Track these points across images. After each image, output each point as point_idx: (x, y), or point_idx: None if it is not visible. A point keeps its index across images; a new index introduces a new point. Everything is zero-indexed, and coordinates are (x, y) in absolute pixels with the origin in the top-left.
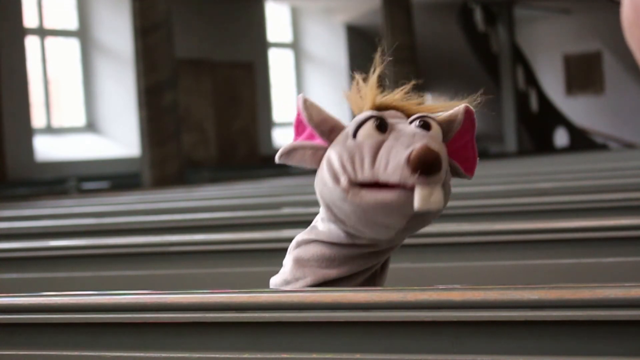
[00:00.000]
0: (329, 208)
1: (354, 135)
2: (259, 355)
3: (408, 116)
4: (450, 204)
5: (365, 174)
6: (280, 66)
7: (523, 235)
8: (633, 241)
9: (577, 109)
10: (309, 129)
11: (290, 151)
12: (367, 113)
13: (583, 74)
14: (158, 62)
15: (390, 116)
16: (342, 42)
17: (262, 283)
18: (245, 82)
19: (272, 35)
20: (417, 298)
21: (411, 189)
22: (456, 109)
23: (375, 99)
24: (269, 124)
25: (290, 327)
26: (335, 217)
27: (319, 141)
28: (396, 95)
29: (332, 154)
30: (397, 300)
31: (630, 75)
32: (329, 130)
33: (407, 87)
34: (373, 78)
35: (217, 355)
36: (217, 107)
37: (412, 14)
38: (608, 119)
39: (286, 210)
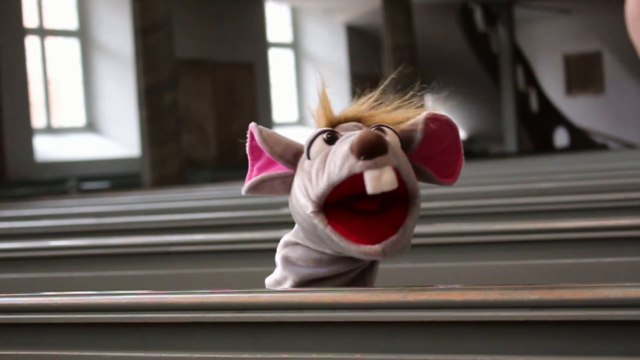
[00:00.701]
0: (305, 233)
1: (308, 155)
2: (259, 355)
3: (369, 125)
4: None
5: (321, 187)
6: (280, 66)
7: (523, 235)
8: (633, 241)
9: (577, 109)
10: (266, 155)
11: (259, 184)
12: (317, 130)
13: (583, 74)
14: (158, 62)
15: (348, 129)
16: (342, 42)
17: (262, 283)
18: (245, 82)
19: (272, 35)
20: (417, 298)
21: (371, 244)
22: (417, 117)
23: (328, 116)
24: (269, 124)
25: (290, 327)
26: (313, 241)
27: (284, 167)
28: (363, 106)
29: (296, 184)
30: (397, 300)
31: (630, 75)
32: (293, 156)
33: (372, 96)
34: (322, 96)
35: (217, 355)
36: (217, 107)
37: (412, 14)
38: (608, 119)
39: (286, 210)
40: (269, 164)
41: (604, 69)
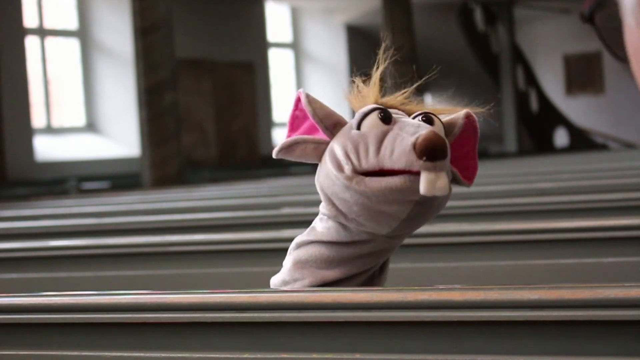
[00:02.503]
0: (330, 201)
1: (358, 126)
2: (259, 355)
3: (409, 115)
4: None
5: (370, 162)
6: (280, 66)
7: (523, 235)
8: (633, 241)
9: (577, 109)
10: (305, 125)
11: (292, 145)
12: (371, 106)
13: (583, 74)
14: (158, 62)
15: (393, 112)
16: (342, 42)
17: (262, 283)
18: (245, 82)
19: (272, 35)
20: (417, 298)
21: (417, 175)
22: (458, 113)
23: (377, 97)
24: (269, 124)
25: (290, 327)
26: (336, 211)
27: (320, 135)
28: (397, 98)
29: (336, 145)
30: (397, 300)
31: (630, 75)
32: (333, 124)
33: (409, 91)
34: (376, 76)
35: (217, 355)
36: (217, 107)
37: (412, 14)
38: (608, 119)
39: (286, 210)
40: (305, 134)
41: (604, 69)
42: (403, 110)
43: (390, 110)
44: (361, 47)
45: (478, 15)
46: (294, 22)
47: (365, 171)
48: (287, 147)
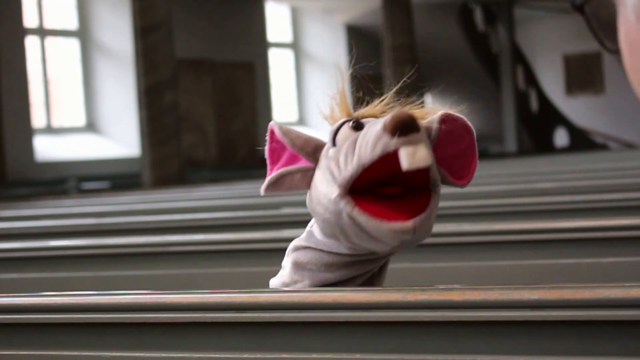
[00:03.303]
0: (324, 226)
1: (334, 143)
2: (259, 355)
3: None
4: (450, 204)
5: (349, 168)
6: (280, 66)
7: (523, 235)
8: (633, 241)
9: (577, 109)
10: (286, 155)
11: (278, 179)
12: (342, 119)
13: (583, 74)
14: (158, 62)
15: (369, 121)
16: (342, 42)
17: (262, 283)
18: (245, 82)
19: (272, 35)
20: (417, 298)
21: (402, 220)
22: (432, 117)
23: (347, 111)
24: (269, 124)
25: (290, 327)
26: (332, 234)
27: (303, 162)
28: (376, 107)
29: (319, 173)
30: (397, 300)
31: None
32: (313, 150)
33: (386, 98)
34: (341, 92)
35: (217, 355)
36: (217, 107)
37: (412, 14)
38: (608, 119)
39: (286, 210)
40: (288, 164)
41: (604, 69)
42: (382, 117)
43: (366, 120)
44: (361, 47)
45: (478, 15)
46: (294, 22)
47: (351, 180)
48: (274, 182)
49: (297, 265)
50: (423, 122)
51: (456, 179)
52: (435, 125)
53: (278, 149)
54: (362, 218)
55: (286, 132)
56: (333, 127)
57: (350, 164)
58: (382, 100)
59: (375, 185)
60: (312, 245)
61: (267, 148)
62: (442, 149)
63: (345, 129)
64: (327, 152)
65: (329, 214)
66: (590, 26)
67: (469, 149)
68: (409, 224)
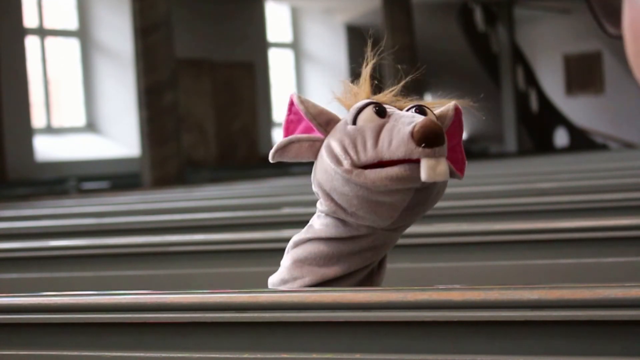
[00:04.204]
0: (329, 197)
1: (354, 122)
2: (259, 355)
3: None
4: (450, 204)
5: (368, 155)
6: (280, 66)
7: (523, 235)
8: (633, 241)
9: (577, 109)
10: (300, 128)
11: (287, 145)
12: (366, 100)
13: (583, 74)
14: (158, 62)
15: (387, 107)
16: (342, 42)
17: (262, 283)
18: (245, 82)
19: (272, 35)
20: (417, 298)
21: (416, 163)
22: (447, 105)
23: (369, 93)
24: (269, 124)
25: (290, 327)
26: (335, 206)
27: (315, 133)
28: (387, 95)
29: (333, 141)
30: (397, 300)
31: (630, 75)
32: (326, 122)
33: (396, 88)
34: (366, 71)
35: (217, 355)
36: (217, 107)
37: (412, 14)
38: (608, 119)
39: (286, 210)
40: None
41: (604, 69)
42: (395, 106)
43: (392, 111)
44: (361, 47)
45: (478, 15)
46: (294, 22)
47: (364, 164)
48: (283, 148)
49: (297, 262)
50: (438, 110)
51: (457, 170)
52: (450, 114)
53: (294, 122)
54: (373, 173)
55: (303, 101)
56: (356, 105)
57: (370, 152)
58: (392, 91)
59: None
60: (310, 235)
61: (284, 120)
62: (448, 140)
63: (369, 112)
64: (345, 127)
65: (335, 182)
66: (592, 10)
67: (458, 145)
68: (406, 170)
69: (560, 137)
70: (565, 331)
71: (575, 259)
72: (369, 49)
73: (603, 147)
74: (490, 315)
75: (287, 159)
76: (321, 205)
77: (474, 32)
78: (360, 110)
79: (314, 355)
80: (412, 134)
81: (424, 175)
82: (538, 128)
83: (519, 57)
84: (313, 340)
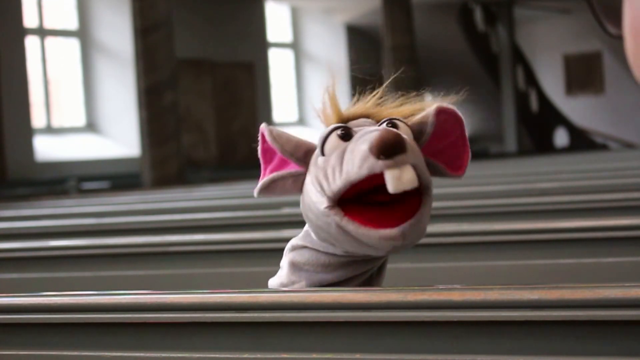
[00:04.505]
0: (317, 232)
1: (322, 152)
2: (259, 355)
3: (379, 120)
4: (450, 204)
5: (338, 183)
6: (280, 66)
7: (523, 235)
8: (633, 241)
9: (577, 109)
10: (278, 156)
11: (270, 184)
12: (330, 127)
13: (583, 74)
14: (158, 62)
15: (359, 125)
16: (342, 42)
17: (262, 283)
18: (245, 82)
19: (272, 35)
20: (417, 298)
21: (390, 227)
22: (427, 110)
23: (338, 113)
24: (269, 124)
25: (290, 327)
26: (325, 239)
27: (295, 167)
28: (368, 103)
29: (309, 179)
30: (397, 300)
31: (630, 75)
32: (304, 154)
33: (377, 93)
34: (331, 93)
35: (217, 355)
36: (217, 107)
37: (412, 14)
38: (608, 119)
39: (286, 210)
40: (281, 166)
41: (604, 69)
42: (373, 116)
43: (356, 122)
44: (361, 47)
45: (478, 15)
46: (294, 22)
47: (339, 193)
48: (267, 187)
49: (294, 266)
50: (417, 117)
51: (453, 170)
52: (430, 120)
53: (270, 150)
54: (351, 227)
55: (276, 137)
56: (321, 134)
57: (339, 179)
58: (374, 95)
59: (365, 193)
60: (308, 244)
61: (259, 149)
62: (437, 141)
63: (334, 139)
64: (317, 161)
65: (320, 222)
66: (593, 9)
67: (460, 139)
68: (396, 231)
69: (560, 137)
70: (565, 331)
71: (575, 259)
72: (329, 73)
73: (603, 147)
74: (490, 315)
75: (273, 195)
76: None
77: (474, 32)
78: (325, 139)
79: (314, 355)
80: (370, 149)
81: (390, 187)
82: (538, 128)
83: (519, 57)
84: (313, 340)
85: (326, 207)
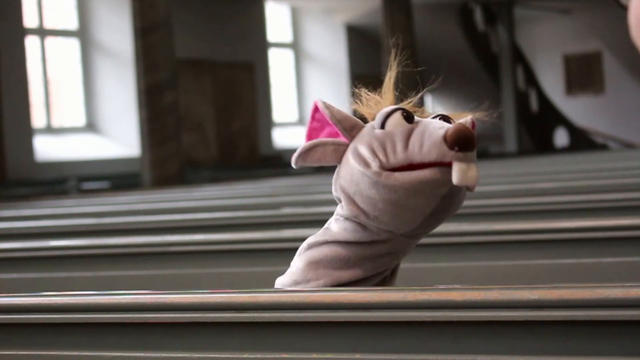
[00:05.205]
0: (352, 201)
1: (382, 126)
2: (259, 355)
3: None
4: None
5: (398, 158)
6: (280, 66)
7: (523, 235)
8: (633, 241)
9: (577, 109)
10: (323, 135)
11: (310, 149)
12: (394, 106)
13: (583, 74)
14: (158, 62)
15: (417, 118)
16: (342, 42)
17: (262, 283)
18: (245, 82)
19: (272, 35)
20: (417, 298)
21: (446, 167)
22: (464, 119)
23: (393, 101)
24: (269, 124)
25: (290, 327)
26: (357, 210)
27: (340, 138)
28: (408, 105)
29: (360, 145)
30: (397, 300)
31: (630, 75)
32: (351, 127)
33: (414, 100)
34: (390, 81)
35: (217, 355)
36: (217, 107)
37: (412, 14)
38: (608, 119)
39: (286, 210)
40: None
41: (604, 69)
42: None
43: (419, 118)
44: (361, 47)
45: (478, 15)
46: (294, 22)
47: (394, 167)
48: (307, 151)
49: (312, 264)
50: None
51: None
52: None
53: (317, 129)
54: (402, 176)
55: (328, 106)
56: (384, 110)
57: (400, 155)
58: (410, 102)
59: None
60: (327, 238)
61: (307, 127)
62: None
63: (398, 117)
64: (373, 131)
65: (362, 185)
66: None
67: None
68: (437, 173)
69: (560, 137)
70: (565, 331)
71: (575, 259)
72: (392, 57)
73: (603, 147)
74: (490, 315)
75: (310, 163)
76: (342, 209)
77: (474, 32)
78: (388, 115)
79: (314, 355)
80: (444, 137)
81: (455, 178)
82: (538, 128)
83: (519, 57)
84: (313, 340)
85: (378, 169)
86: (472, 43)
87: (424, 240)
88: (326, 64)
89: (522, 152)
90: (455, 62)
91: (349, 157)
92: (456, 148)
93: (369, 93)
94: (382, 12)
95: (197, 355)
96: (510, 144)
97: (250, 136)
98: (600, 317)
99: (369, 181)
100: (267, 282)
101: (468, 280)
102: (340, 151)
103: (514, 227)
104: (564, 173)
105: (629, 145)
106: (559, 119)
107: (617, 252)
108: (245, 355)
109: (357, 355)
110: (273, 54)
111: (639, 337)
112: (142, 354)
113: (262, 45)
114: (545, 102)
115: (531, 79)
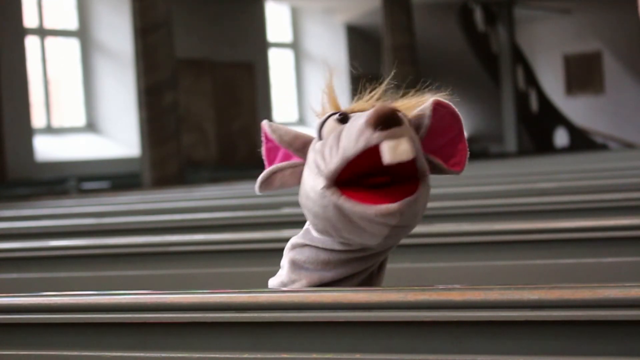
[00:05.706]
0: (315, 221)
1: (320, 136)
2: (259, 355)
3: None
4: (450, 204)
5: (334, 160)
6: (280, 66)
7: (523, 235)
8: (633, 241)
9: (577, 109)
10: (280, 154)
11: (269, 176)
12: (329, 113)
13: (583, 74)
14: (158, 62)
15: (354, 115)
16: (342, 42)
17: (262, 283)
18: (245, 82)
19: (272, 35)
20: (417, 298)
21: (389, 201)
22: (424, 104)
23: (336, 106)
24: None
25: (290, 327)
26: (323, 229)
27: (294, 159)
28: (367, 102)
29: (307, 166)
30: (397, 300)
31: (630, 75)
32: (302, 145)
33: (375, 94)
34: (330, 88)
35: (217, 355)
36: (217, 107)
37: (412, 14)
38: (608, 119)
39: (286, 210)
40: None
41: (604, 69)
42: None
43: (354, 114)
44: (361, 47)
45: (478, 15)
46: (294, 22)
47: (336, 172)
48: (266, 180)
49: (295, 264)
50: (415, 112)
51: (451, 166)
52: (427, 113)
53: (274, 149)
54: (348, 204)
55: (275, 129)
56: (319, 120)
57: (336, 157)
58: (373, 95)
59: (363, 177)
60: (308, 242)
61: (263, 148)
62: (434, 138)
63: (331, 122)
64: (314, 146)
65: (317, 207)
66: None
67: (458, 135)
68: (395, 206)
69: (560, 137)
70: (565, 331)
71: (575, 259)
72: (329, 73)
73: (603, 147)
74: (490, 315)
75: (273, 189)
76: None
77: (474, 32)
78: (323, 123)
79: (314, 355)
80: (366, 122)
81: (385, 157)
82: (538, 128)
83: (519, 57)
84: (313, 340)
85: (323, 187)
86: (472, 43)
87: (424, 240)
88: (324, 61)
89: (522, 152)
90: (455, 62)
91: (304, 177)
92: (379, 127)
93: (322, 104)
94: (382, 12)
95: (197, 355)
96: (510, 144)
97: (250, 136)
98: (600, 317)
99: (322, 204)
100: (267, 282)
101: (468, 280)
102: (297, 172)
103: (514, 227)
104: (564, 173)
105: (629, 145)
106: (559, 119)
107: (617, 252)
108: (245, 355)
109: (357, 355)
110: (273, 54)
111: (639, 337)
112: (142, 354)
113: (262, 45)
114: (545, 102)
115: (531, 79)
